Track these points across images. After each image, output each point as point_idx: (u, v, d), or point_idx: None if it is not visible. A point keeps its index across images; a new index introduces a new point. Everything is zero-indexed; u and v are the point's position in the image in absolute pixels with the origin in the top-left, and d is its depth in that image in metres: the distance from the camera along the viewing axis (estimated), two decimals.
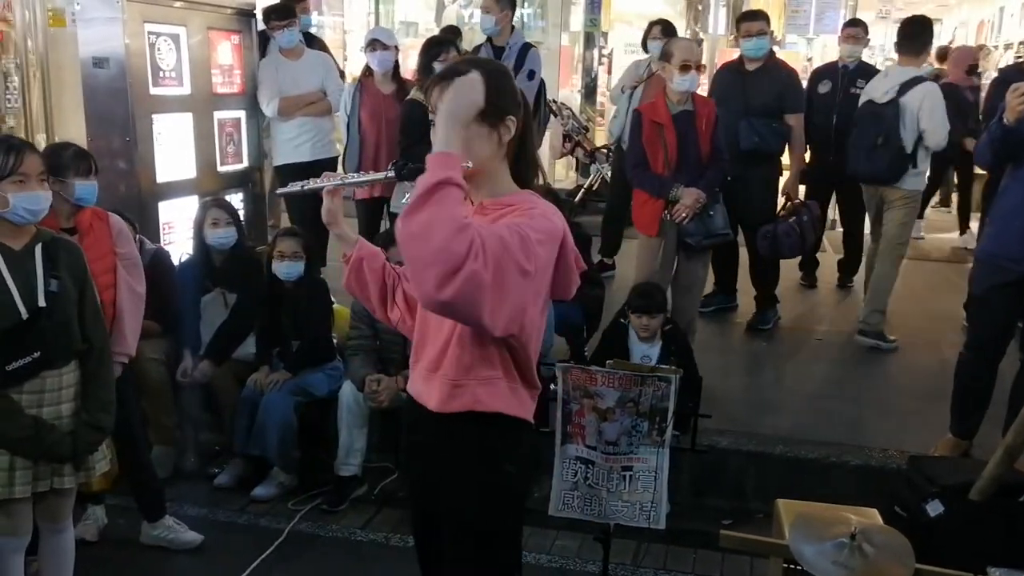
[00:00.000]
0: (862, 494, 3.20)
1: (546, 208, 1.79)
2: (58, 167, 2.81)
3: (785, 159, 5.15)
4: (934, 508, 2.88)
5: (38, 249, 2.44)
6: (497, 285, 1.59)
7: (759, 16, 5.02)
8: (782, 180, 5.15)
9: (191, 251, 4.17)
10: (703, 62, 4.22)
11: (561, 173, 9.43)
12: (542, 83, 5.14)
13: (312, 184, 2.01)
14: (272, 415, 3.66)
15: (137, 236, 3.82)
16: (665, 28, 5.56)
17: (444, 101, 1.73)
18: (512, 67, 4.90)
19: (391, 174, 1.93)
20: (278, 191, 2.41)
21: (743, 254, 5.22)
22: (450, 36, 5.06)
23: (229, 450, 3.88)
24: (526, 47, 5.03)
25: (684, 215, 3.97)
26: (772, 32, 5.19)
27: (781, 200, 5.04)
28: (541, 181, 2.00)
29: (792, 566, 2.22)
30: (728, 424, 3.77)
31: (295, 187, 2.07)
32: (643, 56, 5.78)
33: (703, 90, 4.78)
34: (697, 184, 3.97)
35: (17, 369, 2.37)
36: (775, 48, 5.83)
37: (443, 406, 1.87)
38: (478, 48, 4.99)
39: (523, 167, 1.89)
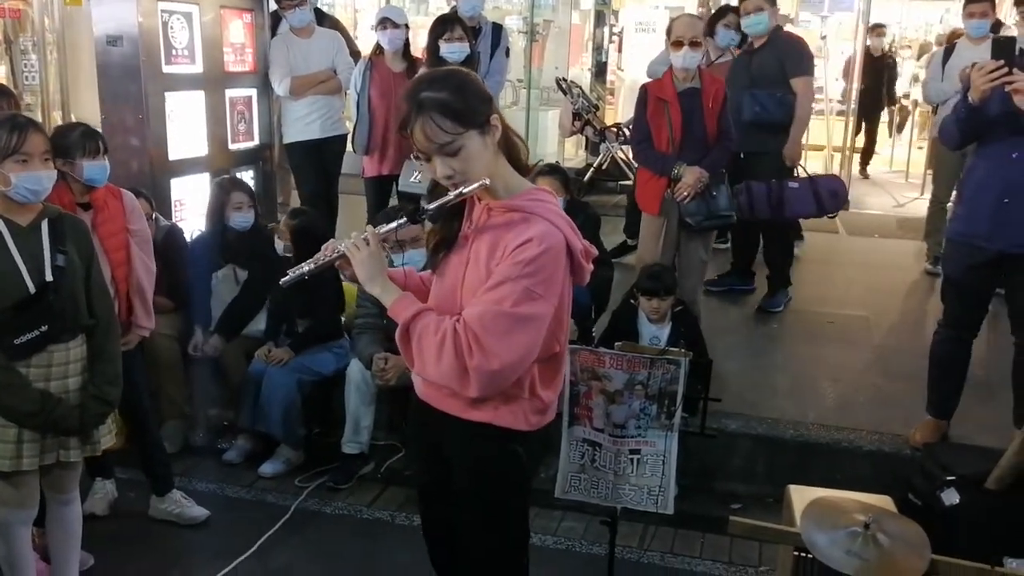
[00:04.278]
0: (875, 480, 3.18)
1: (542, 229, 1.77)
2: (65, 148, 2.80)
3: None
4: (949, 497, 2.84)
5: (44, 225, 2.45)
6: (513, 347, 1.73)
7: None
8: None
9: (203, 228, 4.16)
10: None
11: (571, 152, 9.35)
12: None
13: (310, 267, 1.88)
14: (275, 392, 3.66)
15: (154, 214, 3.83)
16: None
17: (357, 272, 1.87)
18: (490, 45, 4.95)
19: (403, 221, 1.89)
20: (282, 281, 1.96)
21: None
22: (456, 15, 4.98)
23: (238, 426, 3.89)
24: (498, 27, 5.09)
25: (685, 194, 3.90)
26: (777, 8, 4.96)
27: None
28: (527, 154, 1.95)
29: (803, 554, 2.17)
30: (738, 407, 3.75)
31: (299, 271, 1.90)
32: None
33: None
34: (700, 163, 3.91)
35: (25, 343, 2.38)
36: (788, 26, 5.68)
37: (461, 414, 1.90)
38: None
39: (513, 153, 1.89)
